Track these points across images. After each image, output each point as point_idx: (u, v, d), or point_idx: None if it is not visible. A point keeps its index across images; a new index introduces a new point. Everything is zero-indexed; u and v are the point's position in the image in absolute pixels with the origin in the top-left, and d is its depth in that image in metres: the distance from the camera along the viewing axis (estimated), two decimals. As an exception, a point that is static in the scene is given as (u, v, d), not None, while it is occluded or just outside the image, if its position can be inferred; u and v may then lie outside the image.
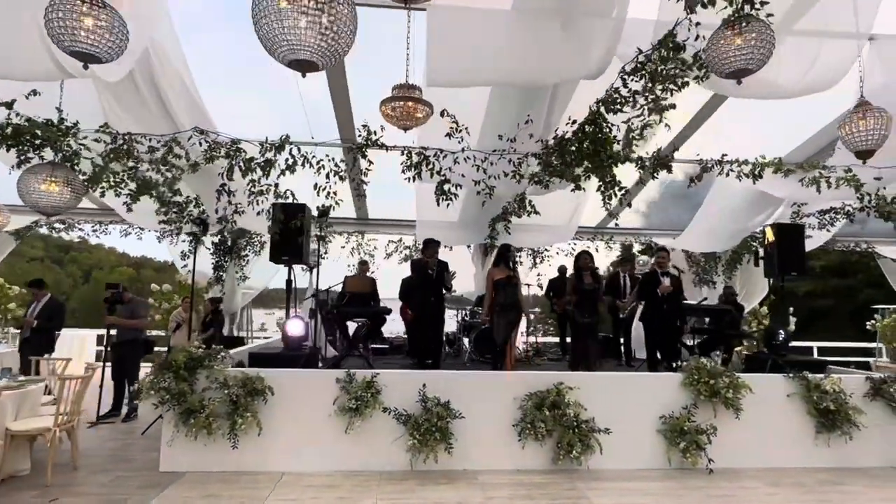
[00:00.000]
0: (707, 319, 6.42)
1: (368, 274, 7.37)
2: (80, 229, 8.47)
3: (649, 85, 3.02)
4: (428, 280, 5.40)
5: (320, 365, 5.05)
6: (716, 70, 2.44)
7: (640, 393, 4.61)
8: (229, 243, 8.09)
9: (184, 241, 7.42)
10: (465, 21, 3.26)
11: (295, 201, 4.79)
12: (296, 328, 4.71)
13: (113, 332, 5.78)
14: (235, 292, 8.62)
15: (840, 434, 4.58)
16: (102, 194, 5.01)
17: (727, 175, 4.94)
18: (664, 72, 2.91)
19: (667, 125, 3.50)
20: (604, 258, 9.01)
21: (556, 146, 4.06)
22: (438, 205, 4.61)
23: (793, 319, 9.34)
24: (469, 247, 8.92)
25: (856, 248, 9.34)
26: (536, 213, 6.46)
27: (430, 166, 4.57)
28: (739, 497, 3.80)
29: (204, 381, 4.17)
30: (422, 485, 3.90)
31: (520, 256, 9.07)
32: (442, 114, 4.39)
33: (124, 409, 5.83)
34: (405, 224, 8.26)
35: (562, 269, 8.65)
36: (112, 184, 4.79)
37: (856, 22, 3.24)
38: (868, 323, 10.19)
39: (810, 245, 7.98)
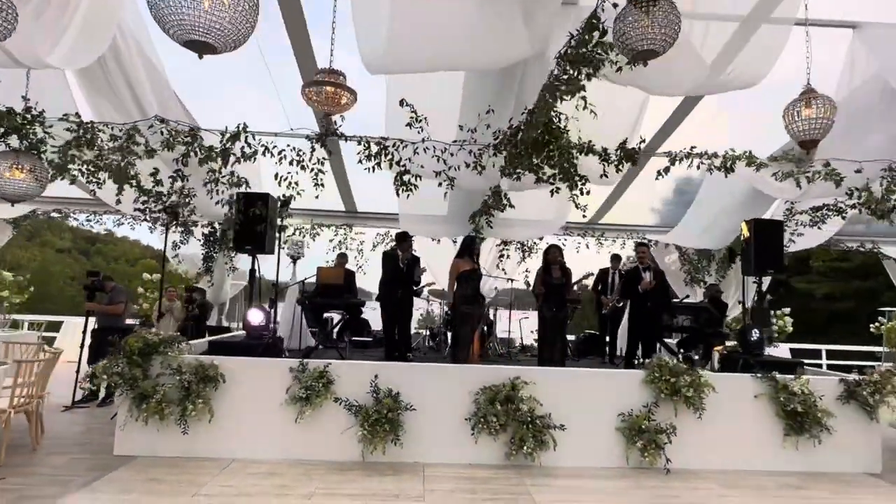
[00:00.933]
0: (685, 318, 6.25)
1: (348, 267, 7.36)
2: (99, 222, 8.59)
3: (575, 71, 2.93)
4: (398, 274, 5.38)
5: (286, 354, 5.08)
6: (623, 51, 2.34)
7: (601, 390, 4.51)
8: (218, 234, 8.20)
9: (174, 231, 7.54)
10: (393, 4, 3.19)
11: (253, 190, 4.82)
12: (256, 317, 4.74)
13: (93, 319, 5.91)
14: (224, 283, 8.74)
15: (809, 437, 4.42)
16: (72, 181, 5.09)
17: (697, 168, 4.79)
18: (587, 56, 2.81)
19: (592, 112, 3.39)
20: (605, 254, 8.79)
21: (511, 136, 3.98)
22: (398, 195, 4.57)
23: (790, 321, 9.07)
24: (455, 241, 8.87)
25: (860, 248, 9.00)
26: (511, 206, 6.41)
27: (390, 157, 4.54)
28: (687, 498, 3.70)
29: (159, 367, 4.22)
30: (367, 475, 3.88)
31: (507, 251, 9.04)
32: (401, 103, 4.37)
33: (101, 394, 5.96)
34: (393, 217, 8.24)
35: (550, 265, 8.56)
36: (84, 171, 4.87)
37: (791, 8, 3.08)
38: (872, 326, 9.82)
39: (807, 243, 7.77)
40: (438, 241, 8.52)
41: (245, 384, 4.28)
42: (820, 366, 10.23)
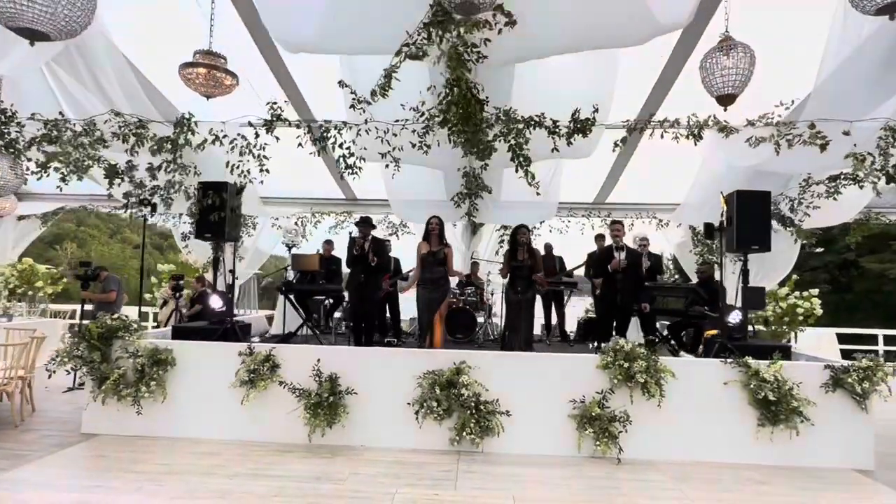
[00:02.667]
0: (671, 300, 5.84)
1: (335, 254, 7.41)
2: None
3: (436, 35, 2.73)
4: (356, 259, 5.35)
5: (257, 339, 5.21)
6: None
7: (554, 375, 4.31)
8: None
9: (184, 222, 7.89)
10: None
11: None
12: (216, 303, 4.87)
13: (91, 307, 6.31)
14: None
15: (785, 428, 4.04)
16: (63, 178, 5.39)
17: (661, 137, 4.41)
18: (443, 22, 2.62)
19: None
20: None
21: (439, 112, 3.81)
22: (342, 179, 4.53)
23: (818, 302, 8.29)
24: (455, 225, 8.74)
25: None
26: (486, 189, 6.24)
27: (333, 140, 4.49)
28: (627, 489, 3.48)
29: (118, 350, 4.44)
30: (303, 458, 3.92)
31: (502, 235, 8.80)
32: (340, 84, 4.30)
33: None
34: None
35: (547, 247, 8.27)
36: (76, 167, 5.15)
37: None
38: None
39: (833, 218, 7.05)
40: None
41: (198, 368, 4.42)
42: (875, 352, 9.38)
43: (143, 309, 9.24)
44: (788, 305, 8.17)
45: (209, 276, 8.24)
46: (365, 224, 5.47)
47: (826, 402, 4.11)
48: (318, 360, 4.29)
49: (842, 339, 10.37)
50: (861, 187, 5.72)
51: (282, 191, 8.01)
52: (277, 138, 4.60)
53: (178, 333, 4.82)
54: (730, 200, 4.84)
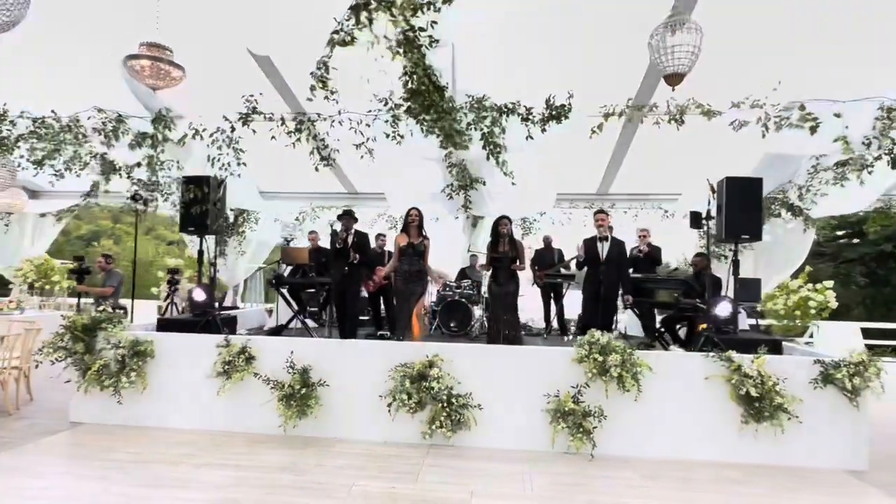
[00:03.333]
0: (664, 292, 5.63)
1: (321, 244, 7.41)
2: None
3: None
4: (339, 252, 5.35)
5: (244, 331, 5.26)
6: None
7: (529, 368, 4.22)
8: (232, 219, 8.64)
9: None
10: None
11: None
12: (199, 295, 4.94)
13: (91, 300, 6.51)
14: (237, 266, 9.22)
15: (770, 426, 3.86)
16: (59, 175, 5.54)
17: (641, 122, 4.24)
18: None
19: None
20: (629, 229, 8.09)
21: (405, 99, 3.73)
22: (318, 171, 4.51)
23: (832, 294, 7.89)
24: (457, 218, 8.66)
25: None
26: (480, 182, 6.14)
27: (309, 132, 4.48)
28: (593, 486, 3.38)
29: (102, 342, 4.54)
30: (274, 448, 3.95)
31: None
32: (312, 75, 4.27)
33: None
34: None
35: (546, 240, 8.11)
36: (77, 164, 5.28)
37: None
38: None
39: (849, 207, 6.69)
40: (437, 218, 8.37)
41: (176, 359, 4.49)
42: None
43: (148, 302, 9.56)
44: (800, 298, 7.81)
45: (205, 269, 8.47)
46: (347, 216, 5.45)
47: (816, 398, 3.91)
48: (292, 353, 4.30)
49: (869, 334, 9.86)
50: (870, 172, 5.41)
51: (282, 186, 8.09)
52: (254, 131, 4.61)
53: (162, 326, 4.90)
54: (719, 188, 4.63)
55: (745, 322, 6.78)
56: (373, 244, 7.21)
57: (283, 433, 4.21)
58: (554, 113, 4.07)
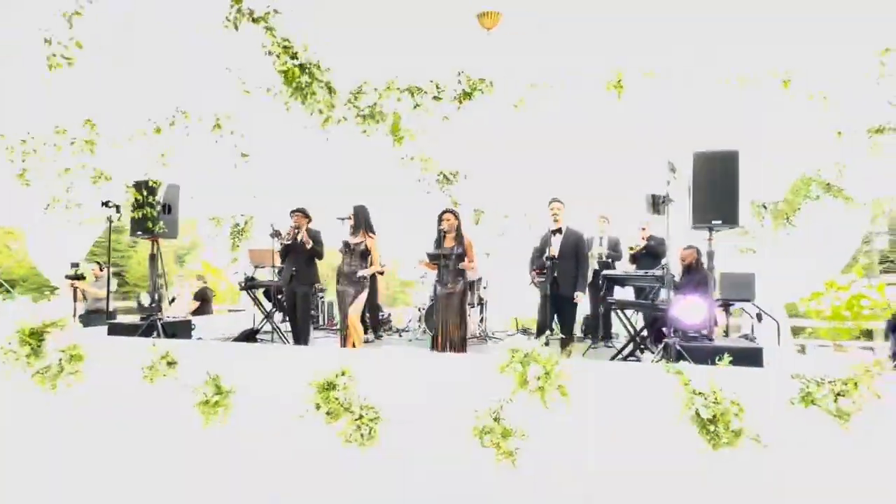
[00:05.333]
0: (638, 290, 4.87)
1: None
2: None
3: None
4: (286, 250, 5.15)
5: (199, 334, 5.23)
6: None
7: (455, 379, 3.76)
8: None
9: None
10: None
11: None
12: (145, 299, 4.94)
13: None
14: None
15: (730, 454, 3.13)
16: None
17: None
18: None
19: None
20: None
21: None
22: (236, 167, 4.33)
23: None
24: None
25: None
26: (451, 175, 5.74)
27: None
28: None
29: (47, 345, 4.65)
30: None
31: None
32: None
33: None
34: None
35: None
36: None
37: None
38: None
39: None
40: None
41: (111, 362, 4.50)
42: None
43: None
44: (852, 297, 6.56)
45: (204, 275, 8.70)
46: (297, 213, 5.25)
47: (796, 422, 3.12)
48: (209, 359, 4.14)
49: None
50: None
51: (270, 186, 8.10)
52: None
53: (112, 330, 4.97)
54: (694, 164, 3.90)
55: (758, 328, 5.81)
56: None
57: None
58: (468, 90, 3.58)
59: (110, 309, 7.07)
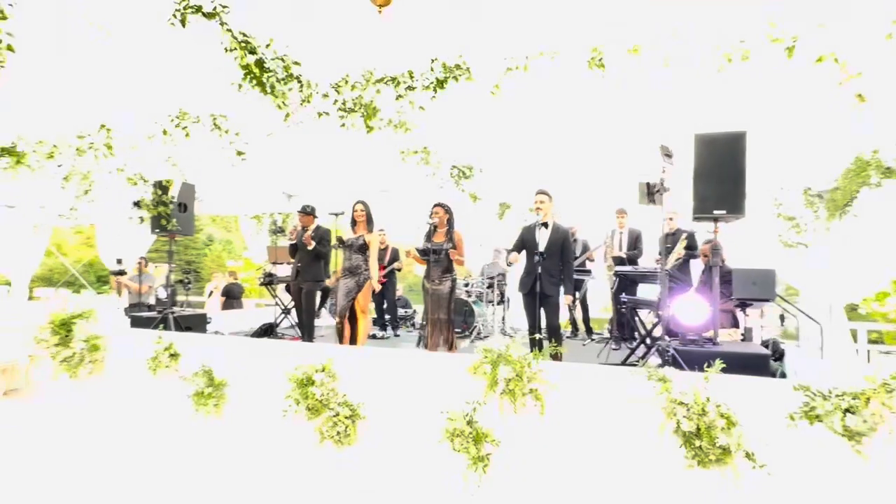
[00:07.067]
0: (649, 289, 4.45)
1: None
2: None
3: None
4: (294, 248, 5.23)
5: (218, 328, 5.45)
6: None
7: (432, 379, 3.64)
8: (279, 223, 9.18)
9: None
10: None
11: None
12: (162, 293, 5.21)
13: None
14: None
15: (719, 474, 2.78)
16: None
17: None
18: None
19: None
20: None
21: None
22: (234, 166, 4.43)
23: None
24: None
25: None
26: (465, 168, 5.64)
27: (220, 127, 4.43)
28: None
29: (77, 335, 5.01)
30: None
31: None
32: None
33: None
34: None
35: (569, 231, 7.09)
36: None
37: None
38: None
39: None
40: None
41: (125, 351, 4.78)
42: None
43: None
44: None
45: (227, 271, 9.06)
46: (301, 213, 5.31)
47: (797, 440, 2.72)
48: (204, 352, 4.28)
49: None
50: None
51: (302, 184, 8.30)
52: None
53: (133, 322, 5.27)
54: (696, 147, 3.51)
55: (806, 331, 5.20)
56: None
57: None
58: (443, 77, 3.42)
59: (151, 302, 7.57)
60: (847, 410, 2.54)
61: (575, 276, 6.67)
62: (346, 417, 3.66)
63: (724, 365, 2.92)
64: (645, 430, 3.01)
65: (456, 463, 3.31)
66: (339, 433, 3.65)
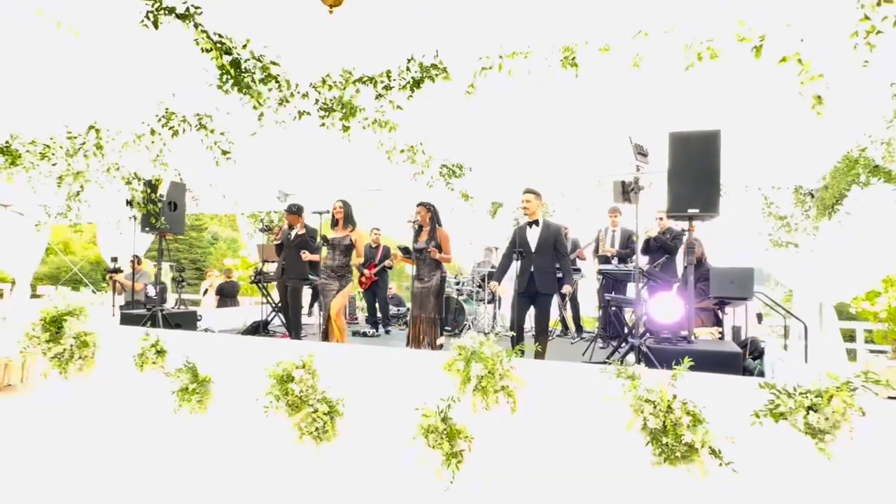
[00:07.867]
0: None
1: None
2: None
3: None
4: (279, 247, 5.27)
5: (208, 326, 5.52)
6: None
7: (409, 376, 3.67)
8: (266, 222, 9.25)
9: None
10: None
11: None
12: (151, 290, 5.27)
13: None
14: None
15: (687, 472, 2.80)
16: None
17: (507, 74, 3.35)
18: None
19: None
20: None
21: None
22: (217, 165, 4.48)
23: None
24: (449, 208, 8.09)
25: None
26: (455, 167, 5.68)
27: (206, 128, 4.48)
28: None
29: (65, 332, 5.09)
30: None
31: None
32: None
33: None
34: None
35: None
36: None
37: None
38: None
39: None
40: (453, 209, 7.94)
41: (114, 348, 4.85)
42: None
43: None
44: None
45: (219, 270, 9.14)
46: (287, 212, 5.36)
47: (763, 438, 2.73)
48: (190, 349, 4.34)
49: None
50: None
51: (298, 184, 8.36)
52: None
53: (124, 319, 5.34)
54: (671, 146, 3.52)
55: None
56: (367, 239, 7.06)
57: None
58: (419, 76, 3.45)
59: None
60: (810, 408, 2.55)
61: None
62: (324, 414, 3.70)
63: (692, 363, 2.93)
64: (616, 427, 3.02)
65: (431, 459, 3.34)
66: (317, 429, 3.69)
